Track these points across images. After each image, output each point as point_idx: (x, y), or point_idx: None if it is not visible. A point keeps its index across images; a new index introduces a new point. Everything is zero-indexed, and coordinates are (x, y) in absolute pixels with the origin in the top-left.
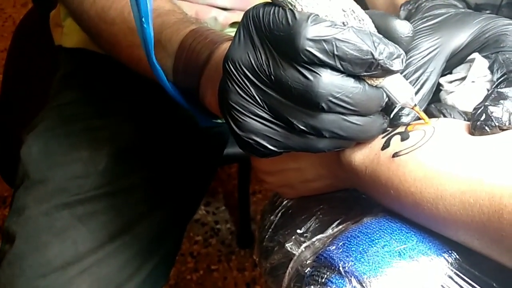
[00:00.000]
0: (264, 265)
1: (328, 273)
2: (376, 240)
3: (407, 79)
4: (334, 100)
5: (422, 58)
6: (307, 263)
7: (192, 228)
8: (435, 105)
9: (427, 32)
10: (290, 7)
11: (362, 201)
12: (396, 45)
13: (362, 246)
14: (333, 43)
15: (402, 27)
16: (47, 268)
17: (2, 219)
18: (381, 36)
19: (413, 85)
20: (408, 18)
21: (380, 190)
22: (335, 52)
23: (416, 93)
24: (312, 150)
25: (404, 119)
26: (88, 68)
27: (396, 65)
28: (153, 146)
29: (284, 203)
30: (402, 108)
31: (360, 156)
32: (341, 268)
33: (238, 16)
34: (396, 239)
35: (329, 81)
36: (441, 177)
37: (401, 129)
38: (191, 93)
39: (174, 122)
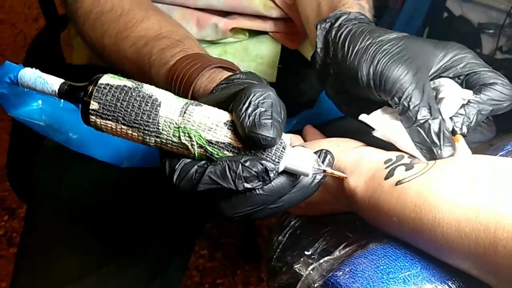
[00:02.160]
0: (272, 284)
1: None
2: (382, 267)
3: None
4: (240, 214)
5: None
6: (315, 286)
7: (198, 241)
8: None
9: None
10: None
11: (367, 223)
12: (256, 163)
13: (367, 272)
14: (202, 192)
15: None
16: (62, 281)
17: (11, 230)
18: (239, 162)
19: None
20: (326, 36)
21: (383, 218)
22: (206, 193)
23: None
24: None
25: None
26: None
27: (258, 184)
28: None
29: (292, 223)
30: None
31: (363, 186)
32: None
33: (238, 22)
34: (400, 265)
35: (225, 205)
36: (439, 204)
37: (406, 160)
38: None
39: None
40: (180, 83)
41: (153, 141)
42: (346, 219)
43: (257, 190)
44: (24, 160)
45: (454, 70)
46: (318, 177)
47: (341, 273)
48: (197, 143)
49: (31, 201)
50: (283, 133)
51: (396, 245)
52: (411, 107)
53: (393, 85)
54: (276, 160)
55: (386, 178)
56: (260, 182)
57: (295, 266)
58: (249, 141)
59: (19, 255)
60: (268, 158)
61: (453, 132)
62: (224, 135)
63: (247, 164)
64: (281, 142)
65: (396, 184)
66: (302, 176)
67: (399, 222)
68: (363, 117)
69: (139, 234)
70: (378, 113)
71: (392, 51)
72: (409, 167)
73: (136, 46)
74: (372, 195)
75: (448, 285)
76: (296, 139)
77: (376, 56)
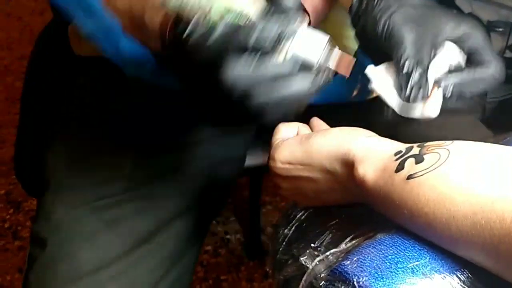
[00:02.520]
0: (277, 277)
1: (342, 287)
2: (390, 256)
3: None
4: (243, 84)
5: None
6: (322, 276)
7: None
8: None
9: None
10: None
11: (375, 216)
12: (269, 26)
13: (376, 261)
14: (210, 52)
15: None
16: (79, 272)
17: (16, 224)
18: (253, 23)
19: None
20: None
21: (394, 209)
22: (214, 52)
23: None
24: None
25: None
26: (107, 75)
27: (268, 46)
28: (176, 152)
29: (298, 216)
30: None
31: (374, 178)
32: (355, 283)
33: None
34: (409, 255)
35: (230, 66)
36: (454, 198)
37: (415, 151)
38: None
39: (195, 130)
40: None
41: (173, 1)
42: (353, 212)
43: (264, 62)
44: (32, 154)
45: (461, 44)
46: (325, 71)
47: (348, 262)
48: (215, 11)
49: (42, 192)
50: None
51: (404, 235)
52: (402, 58)
53: (396, 42)
54: (289, 29)
55: (397, 171)
56: (270, 46)
57: (301, 258)
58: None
59: (34, 247)
60: (282, 25)
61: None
62: (243, 3)
63: (260, 25)
64: (299, 19)
65: (408, 178)
66: (309, 67)
67: (410, 216)
68: (368, 69)
69: (152, 226)
70: (383, 66)
71: (409, 14)
72: (419, 159)
73: None
74: (382, 187)
75: (457, 276)
76: (304, 127)
77: (393, 16)
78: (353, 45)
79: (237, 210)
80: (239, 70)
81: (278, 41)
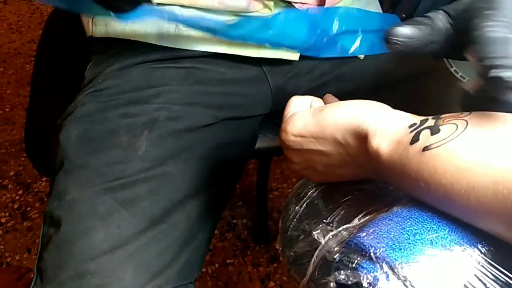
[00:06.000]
0: (287, 254)
1: (358, 258)
2: (407, 228)
3: None
4: None
5: None
6: (336, 249)
7: None
8: None
9: None
10: None
11: (389, 193)
12: None
13: (393, 233)
14: None
15: None
16: (95, 251)
17: (25, 205)
18: None
19: None
20: None
21: (409, 182)
22: None
23: None
24: None
25: None
26: (120, 56)
27: None
28: (187, 134)
29: (309, 193)
30: None
31: (388, 151)
32: (372, 254)
33: None
34: (427, 227)
35: None
36: (474, 168)
37: (430, 123)
38: None
39: (208, 110)
40: None
41: None
42: (365, 189)
43: None
44: (42, 134)
45: None
46: None
47: (364, 234)
48: None
49: (53, 171)
50: None
51: (421, 208)
52: None
53: None
54: None
55: (412, 143)
56: None
57: (314, 233)
58: None
59: (48, 226)
60: None
61: None
62: None
63: None
64: None
65: (423, 150)
66: None
67: (427, 188)
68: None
69: (165, 206)
70: None
71: None
72: (435, 130)
73: None
74: (397, 160)
75: (478, 249)
76: (317, 100)
77: None
78: None
79: (243, 195)
80: None
81: None
